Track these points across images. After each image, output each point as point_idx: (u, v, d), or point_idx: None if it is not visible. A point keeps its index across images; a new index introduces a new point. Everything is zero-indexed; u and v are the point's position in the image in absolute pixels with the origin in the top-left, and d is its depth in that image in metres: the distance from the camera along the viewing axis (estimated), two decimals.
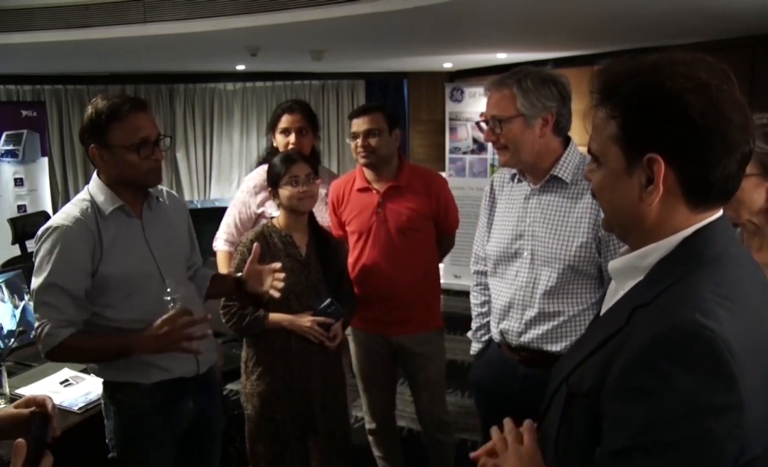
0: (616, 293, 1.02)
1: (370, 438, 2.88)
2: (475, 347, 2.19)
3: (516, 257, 1.94)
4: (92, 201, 1.85)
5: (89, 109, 1.83)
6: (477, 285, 2.20)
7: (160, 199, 2.00)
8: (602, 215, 1.82)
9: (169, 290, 1.85)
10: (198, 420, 2.02)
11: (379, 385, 2.75)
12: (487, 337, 2.14)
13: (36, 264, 1.80)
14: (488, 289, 2.10)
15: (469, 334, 2.22)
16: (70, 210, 1.84)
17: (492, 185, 2.11)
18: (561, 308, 1.86)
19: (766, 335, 0.87)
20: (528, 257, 1.91)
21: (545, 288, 1.87)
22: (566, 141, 1.92)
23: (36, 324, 1.80)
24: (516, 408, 1.92)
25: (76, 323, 1.81)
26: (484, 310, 2.15)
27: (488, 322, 2.11)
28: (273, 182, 2.33)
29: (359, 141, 2.51)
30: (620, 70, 0.95)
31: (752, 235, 1.63)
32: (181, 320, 1.79)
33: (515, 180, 2.01)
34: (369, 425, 2.85)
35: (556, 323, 1.87)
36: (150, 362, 1.87)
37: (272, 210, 2.59)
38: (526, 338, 1.91)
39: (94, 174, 1.91)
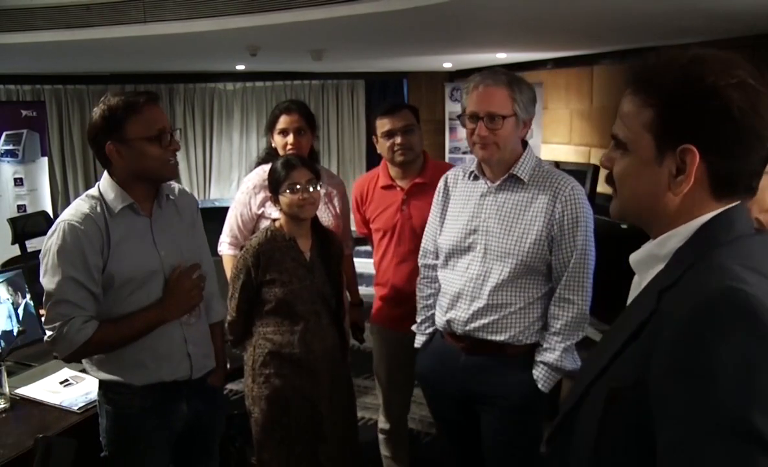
0: (639, 286, 1.02)
1: (380, 437, 2.87)
2: (419, 339, 2.24)
3: (468, 250, 2.02)
4: (101, 199, 1.84)
5: (101, 108, 1.80)
6: (424, 278, 2.24)
7: (171, 196, 1.99)
8: (556, 215, 1.92)
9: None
10: (194, 423, 2.00)
11: (398, 385, 2.75)
12: (431, 329, 2.19)
13: (47, 262, 1.78)
14: (435, 282, 2.17)
15: (414, 327, 2.27)
16: (80, 207, 1.83)
17: (446, 182, 2.18)
18: (509, 301, 1.95)
19: None
20: (481, 251, 1.99)
21: (496, 282, 1.95)
22: (524, 144, 2.03)
23: (55, 324, 1.76)
24: (458, 396, 2.06)
25: (95, 318, 1.80)
26: (429, 302, 2.21)
27: (432, 314, 2.17)
28: (273, 188, 2.29)
29: (399, 139, 2.50)
30: (660, 61, 0.95)
31: None
32: (195, 273, 1.94)
33: (470, 177, 2.08)
34: (382, 425, 2.84)
35: (503, 313, 1.95)
36: (142, 364, 1.87)
37: (272, 210, 2.57)
38: (471, 327, 1.98)
39: (104, 173, 1.89)
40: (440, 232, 2.13)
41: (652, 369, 0.84)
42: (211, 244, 2.84)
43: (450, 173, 2.19)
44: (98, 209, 1.82)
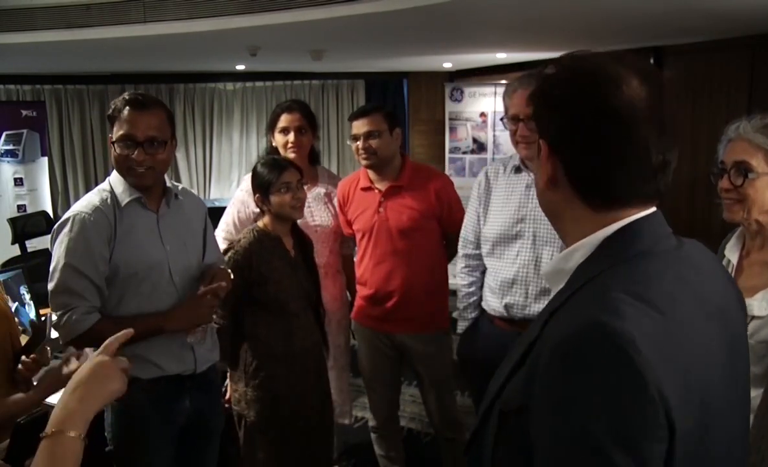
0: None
1: (372, 435, 2.88)
2: (461, 325, 2.37)
3: (516, 238, 2.15)
4: (112, 191, 1.91)
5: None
6: (465, 267, 2.38)
7: (179, 197, 2.03)
8: None
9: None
10: (195, 418, 2.04)
11: (383, 383, 2.76)
12: (474, 314, 2.35)
13: (55, 252, 1.85)
14: (476, 271, 2.34)
15: (455, 314, 2.39)
16: (91, 199, 1.90)
17: (487, 175, 2.33)
18: None
19: (687, 336, 0.82)
20: (530, 238, 2.12)
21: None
22: None
23: (59, 311, 1.84)
24: None
25: (98, 309, 1.86)
26: (471, 290, 2.36)
27: (475, 301, 2.34)
28: (264, 189, 2.30)
29: (360, 143, 2.54)
30: (554, 77, 0.97)
31: (754, 234, 1.62)
32: (217, 289, 1.94)
33: (513, 171, 2.24)
34: (372, 422, 2.85)
35: None
36: (148, 358, 1.90)
37: None
38: (531, 311, 2.10)
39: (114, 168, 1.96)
40: (484, 222, 2.27)
41: (532, 397, 0.83)
42: None
43: (490, 168, 2.34)
44: (108, 201, 1.89)
